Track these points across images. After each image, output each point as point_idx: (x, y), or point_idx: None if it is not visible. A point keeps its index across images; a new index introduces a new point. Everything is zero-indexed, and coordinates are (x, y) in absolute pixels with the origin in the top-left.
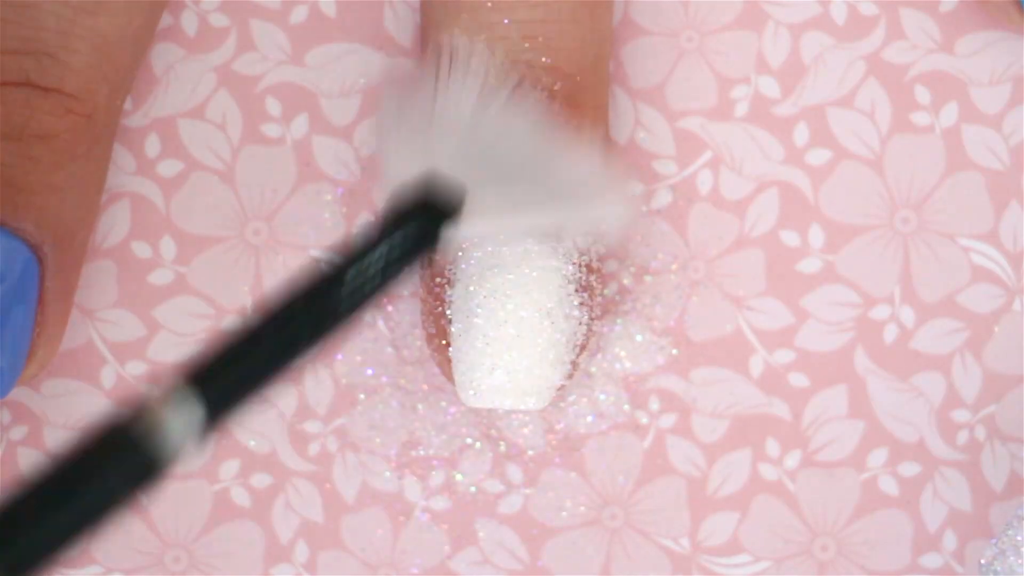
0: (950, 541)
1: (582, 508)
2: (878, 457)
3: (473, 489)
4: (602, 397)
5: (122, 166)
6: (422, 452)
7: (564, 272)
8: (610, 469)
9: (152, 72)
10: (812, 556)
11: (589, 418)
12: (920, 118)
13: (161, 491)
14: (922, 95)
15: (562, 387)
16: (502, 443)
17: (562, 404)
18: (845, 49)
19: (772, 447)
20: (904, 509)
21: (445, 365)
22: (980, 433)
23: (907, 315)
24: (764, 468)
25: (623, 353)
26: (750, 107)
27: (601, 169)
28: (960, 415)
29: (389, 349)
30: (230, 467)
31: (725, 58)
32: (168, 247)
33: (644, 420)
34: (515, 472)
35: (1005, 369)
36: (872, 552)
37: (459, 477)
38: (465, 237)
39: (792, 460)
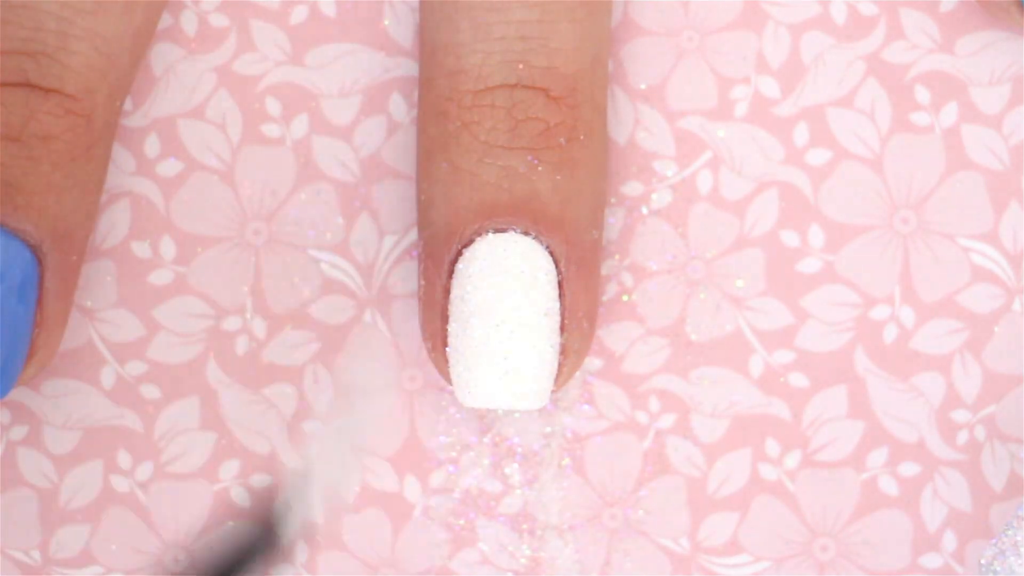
0: (950, 541)
1: (582, 508)
2: (878, 457)
3: (473, 489)
4: (602, 397)
5: (122, 166)
6: (422, 452)
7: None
8: (610, 469)
9: (152, 72)
10: (812, 556)
11: (589, 418)
12: (920, 118)
13: (161, 491)
14: (922, 95)
15: (561, 387)
16: (502, 443)
17: (562, 404)
18: (845, 49)
19: (772, 447)
20: (904, 509)
21: (443, 365)
22: (980, 433)
23: (907, 315)
24: (764, 468)
25: (623, 353)
26: (750, 107)
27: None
28: (960, 415)
29: (389, 349)
30: (230, 467)
31: (725, 58)
32: (168, 247)
33: (644, 420)
34: (515, 472)
35: (1005, 369)
36: (872, 552)
37: (461, 475)
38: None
39: (792, 460)
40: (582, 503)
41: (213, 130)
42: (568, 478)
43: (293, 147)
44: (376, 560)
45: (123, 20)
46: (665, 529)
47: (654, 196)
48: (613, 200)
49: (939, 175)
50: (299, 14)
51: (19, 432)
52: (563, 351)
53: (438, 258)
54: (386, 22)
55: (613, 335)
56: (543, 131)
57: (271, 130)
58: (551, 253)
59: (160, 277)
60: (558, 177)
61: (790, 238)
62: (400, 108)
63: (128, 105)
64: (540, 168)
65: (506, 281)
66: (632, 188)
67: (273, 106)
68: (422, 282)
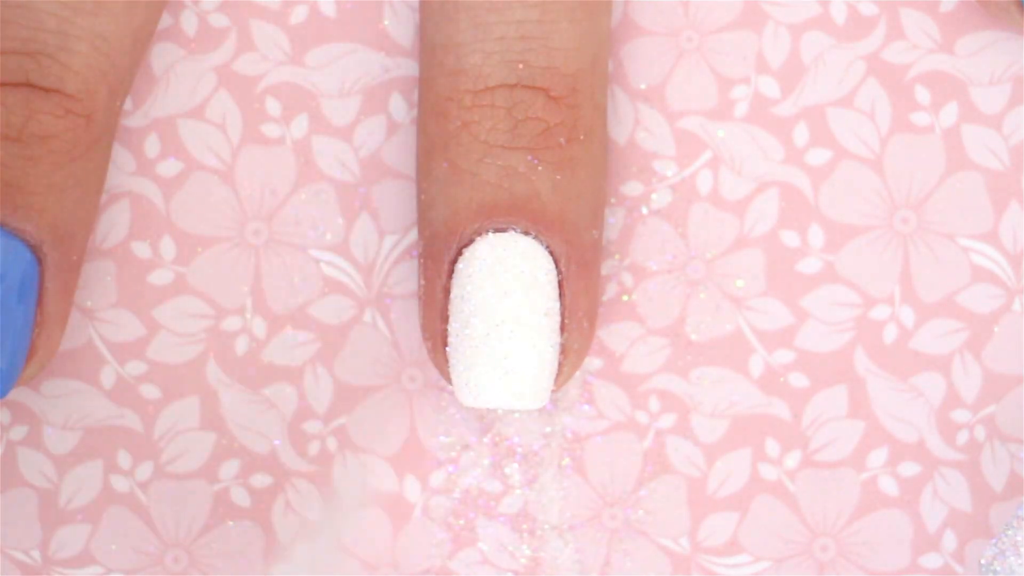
0: (950, 541)
1: (582, 508)
2: (878, 457)
3: (473, 489)
4: (602, 397)
5: (122, 166)
6: (422, 452)
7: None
8: (610, 469)
9: (152, 72)
10: (812, 556)
11: (589, 418)
12: (920, 118)
13: (161, 491)
14: (922, 95)
15: (561, 387)
16: (502, 443)
17: (562, 404)
18: (845, 49)
19: (772, 447)
20: (904, 509)
21: (443, 365)
22: (980, 433)
23: (907, 315)
24: (764, 468)
25: (623, 353)
26: (750, 107)
27: None
28: (960, 415)
29: (389, 349)
30: (230, 467)
31: (725, 58)
32: (168, 247)
33: (644, 420)
34: (515, 472)
35: (1005, 369)
36: (872, 552)
37: (461, 475)
38: None
39: (792, 460)
40: (582, 503)
41: (213, 130)
42: (568, 478)
43: (293, 147)
44: (376, 560)
45: (123, 20)
46: (665, 529)
47: (654, 196)
48: (613, 200)
49: (939, 175)
50: (299, 14)
51: (19, 432)
52: (563, 351)
53: (438, 258)
54: (386, 22)
55: (613, 335)
56: (543, 131)
57: (271, 130)
58: (551, 253)
59: (160, 277)
60: (558, 177)
61: (790, 238)
62: (400, 108)
63: (128, 105)
64: (540, 168)
65: (506, 281)
66: (632, 188)
67: (273, 106)
68: (422, 282)
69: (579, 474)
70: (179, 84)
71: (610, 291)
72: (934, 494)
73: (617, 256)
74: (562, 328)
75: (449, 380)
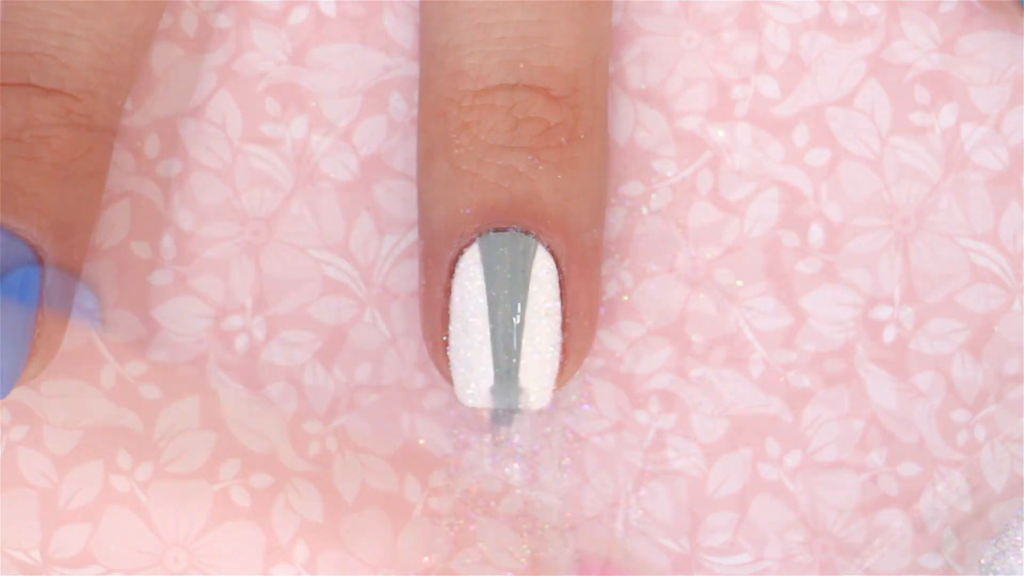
0: (950, 541)
1: (582, 508)
2: (878, 457)
3: (473, 489)
4: (602, 397)
5: (122, 166)
6: (422, 452)
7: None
8: (610, 469)
9: (152, 72)
10: (812, 556)
11: (589, 418)
12: (920, 118)
13: (161, 491)
14: (922, 95)
15: (562, 387)
16: (502, 443)
17: (562, 404)
18: (845, 49)
19: (772, 447)
20: (904, 509)
21: (444, 365)
22: (980, 433)
23: (907, 315)
24: (764, 468)
25: (623, 353)
26: (750, 107)
27: None
28: (960, 415)
29: (389, 349)
30: (230, 467)
31: (725, 58)
32: (168, 247)
33: (644, 420)
34: (515, 472)
35: (1005, 369)
36: (872, 552)
37: (461, 475)
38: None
39: (792, 460)
40: (582, 503)
41: (213, 130)
42: (568, 478)
43: (293, 147)
44: (376, 560)
45: (124, 21)
46: (665, 529)
47: (654, 196)
48: (613, 200)
49: (939, 175)
50: (299, 14)
51: (19, 432)
52: (564, 351)
53: (439, 258)
54: (386, 22)
55: (613, 335)
56: (543, 131)
57: (271, 130)
58: (552, 253)
59: (160, 277)
60: (559, 176)
61: (790, 238)
62: (400, 108)
63: (128, 105)
64: (541, 168)
65: (507, 281)
66: (632, 188)
67: (273, 106)
68: (423, 282)
69: (579, 474)
70: (179, 84)
71: (610, 291)
72: (934, 494)
73: (617, 256)
74: (563, 328)
75: (450, 380)
